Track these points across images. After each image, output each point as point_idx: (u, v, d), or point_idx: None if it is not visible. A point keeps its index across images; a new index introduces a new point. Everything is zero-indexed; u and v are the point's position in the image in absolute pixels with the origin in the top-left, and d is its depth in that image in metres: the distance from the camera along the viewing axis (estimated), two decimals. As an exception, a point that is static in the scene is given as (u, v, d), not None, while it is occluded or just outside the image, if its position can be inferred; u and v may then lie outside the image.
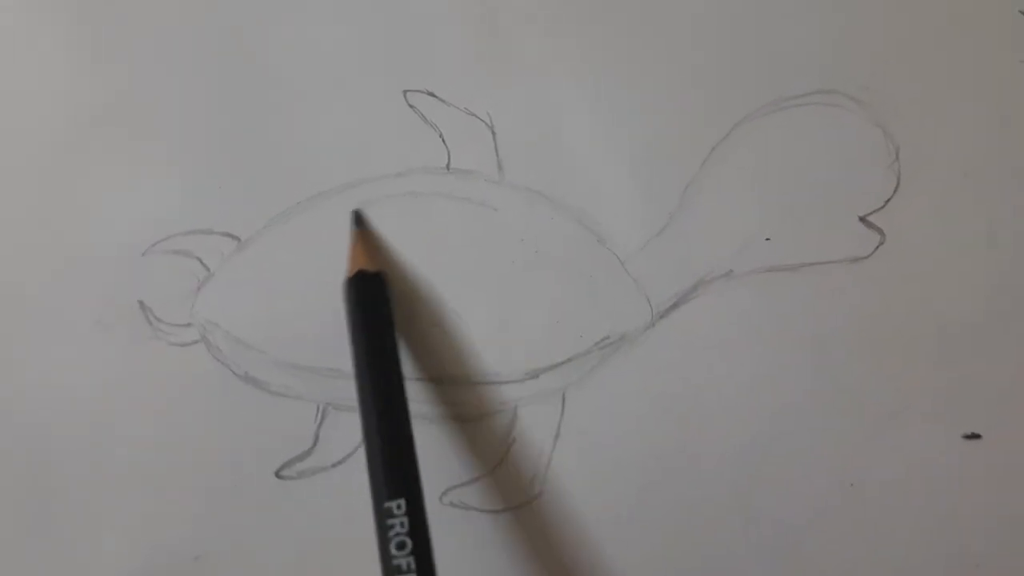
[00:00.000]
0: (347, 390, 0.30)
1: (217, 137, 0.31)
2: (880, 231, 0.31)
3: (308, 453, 0.30)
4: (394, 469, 0.26)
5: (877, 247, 0.31)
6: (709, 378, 0.30)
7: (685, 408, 0.30)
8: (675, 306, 0.31)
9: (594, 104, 0.31)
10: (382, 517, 0.26)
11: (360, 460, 0.30)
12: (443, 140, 0.31)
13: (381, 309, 0.29)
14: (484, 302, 0.31)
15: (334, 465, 0.30)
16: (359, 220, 0.31)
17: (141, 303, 0.31)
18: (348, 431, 0.30)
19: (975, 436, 0.30)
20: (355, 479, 0.30)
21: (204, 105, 0.31)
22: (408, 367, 0.30)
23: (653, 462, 0.30)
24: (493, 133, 0.31)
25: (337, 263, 0.30)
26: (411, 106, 0.32)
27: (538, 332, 0.30)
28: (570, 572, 0.29)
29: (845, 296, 0.30)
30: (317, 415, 0.30)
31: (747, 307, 0.31)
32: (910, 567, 0.29)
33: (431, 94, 0.32)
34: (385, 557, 0.25)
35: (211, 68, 0.31)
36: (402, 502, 0.26)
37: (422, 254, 0.31)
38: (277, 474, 0.30)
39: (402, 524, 0.25)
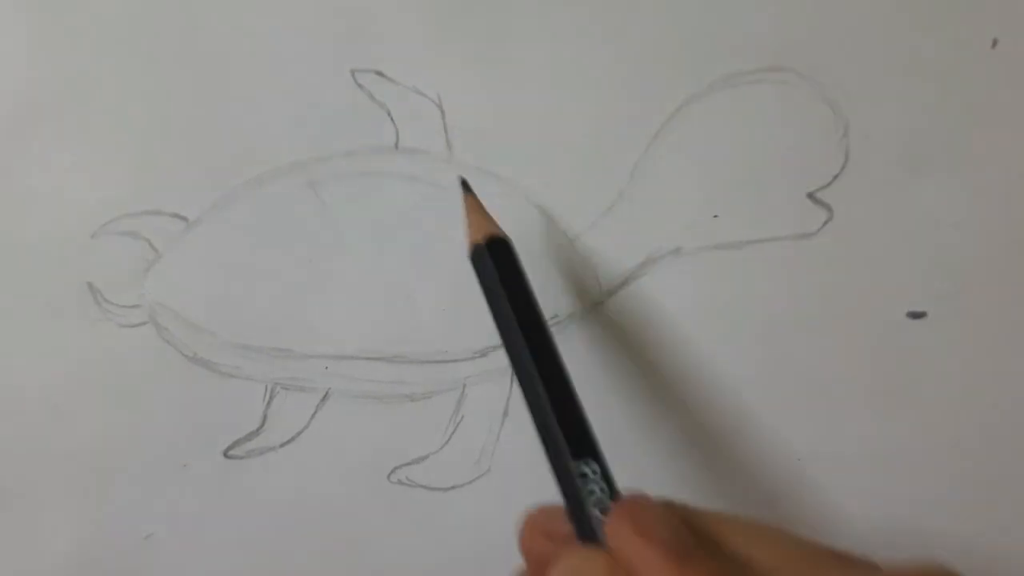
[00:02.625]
0: (295, 370, 0.30)
1: (165, 118, 0.31)
2: (828, 207, 0.31)
3: (256, 433, 0.30)
4: (580, 429, 0.24)
5: (824, 224, 0.31)
6: (658, 355, 0.30)
7: (634, 386, 0.30)
8: (624, 284, 0.31)
9: (543, 82, 0.31)
10: (572, 483, 0.23)
11: (307, 439, 0.30)
12: (391, 119, 0.31)
13: (522, 273, 0.27)
14: (433, 281, 0.31)
15: (282, 445, 0.30)
16: (467, 186, 0.30)
17: (90, 285, 0.31)
18: (296, 411, 0.30)
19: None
20: (303, 458, 0.30)
21: (151, 87, 0.31)
22: (358, 346, 0.30)
23: (601, 432, 0.30)
24: (442, 112, 0.31)
25: (286, 242, 0.30)
26: (359, 85, 0.31)
27: (486, 310, 0.30)
28: (518, 549, 0.29)
29: (792, 272, 0.31)
30: (265, 395, 0.30)
31: (695, 284, 0.31)
32: (856, 538, 0.30)
33: (379, 73, 0.32)
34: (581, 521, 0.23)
35: (157, 49, 0.31)
36: (596, 466, 0.24)
37: (371, 233, 0.31)
38: (225, 454, 0.30)
39: (602, 489, 0.23)
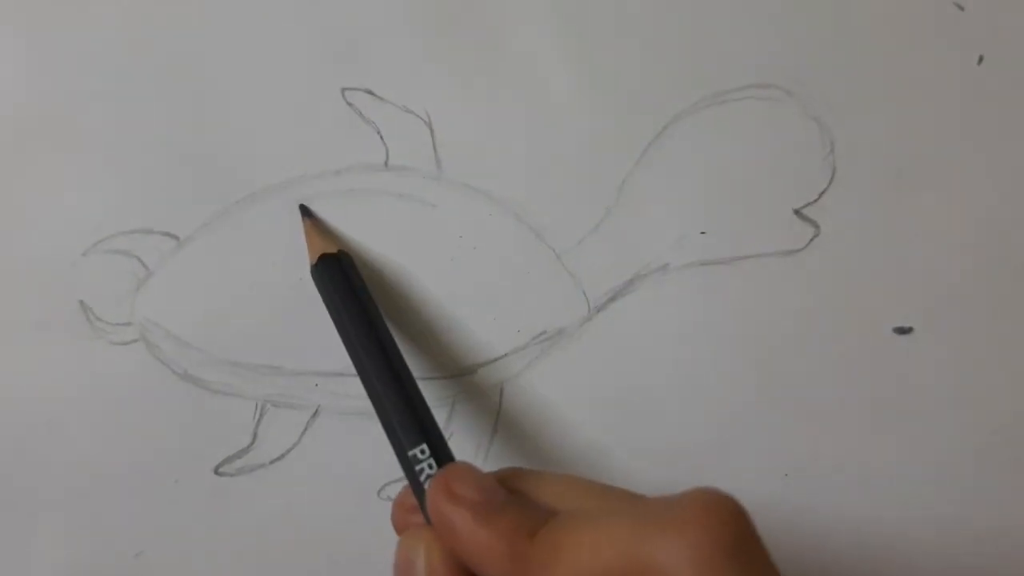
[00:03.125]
0: (285, 387, 0.31)
1: (156, 137, 0.31)
2: (814, 224, 0.31)
3: (247, 450, 0.30)
4: (410, 417, 0.26)
5: (811, 240, 0.31)
6: (645, 371, 0.31)
7: (622, 401, 0.31)
8: (612, 300, 0.31)
9: (531, 101, 0.32)
10: (409, 466, 0.26)
11: (298, 456, 0.30)
12: (381, 137, 0.32)
13: (354, 282, 0.29)
14: (423, 298, 0.31)
15: (272, 462, 0.30)
16: (306, 211, 0.31)
17: (82, 303, 0.31)
18: (286, 428, 0.30)
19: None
20: (294, 475, 0.30)
21: (142, 106, 0.31)
22: (346, 364, 0.30)
23: (591, 454, 0.30)
24: (431, 130, 0.32)
25: (276, 260, 0.31)
26: (349, 104, 0.32)
27: (476, 327, 0.31)
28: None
29: (779, 288, 0.31)
30: (256, 412, 0.30)
31: (683, 300, 0.31)
32: (842, 552, 0.30)
33: (369, 92, 0.32)
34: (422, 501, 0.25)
35: (148, 70, 0.31)
36: (424, 447, 0.26)
37: (362, 251, 0.31)
38: (216, 471, 0.30)
39: (430, 466, 0.25)
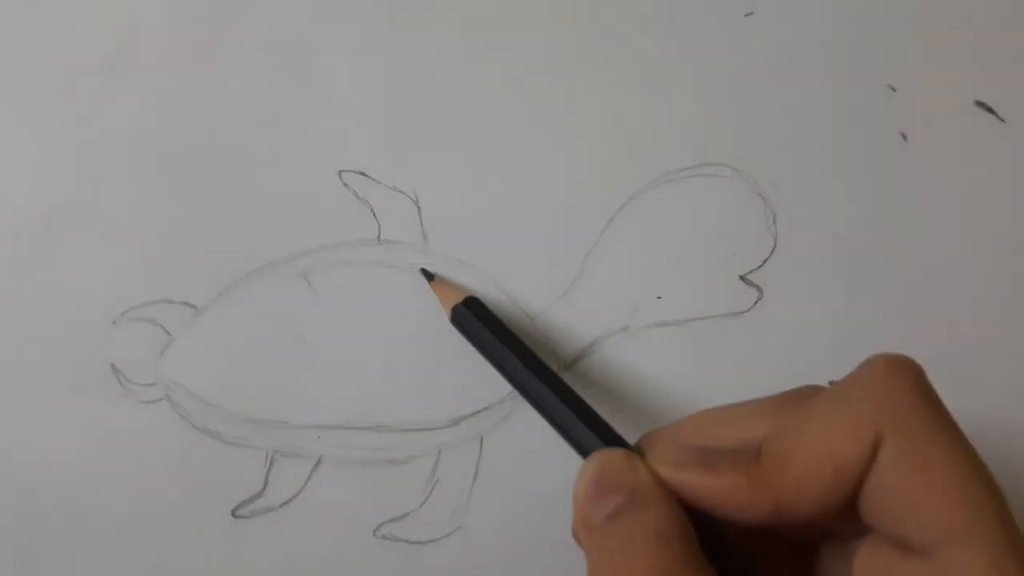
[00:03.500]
0: (292, 439, 0.35)
1: (175, 219, 0.35)
2: (758, 288, 0.35)
3: (259, 495, 0.34)
4: (596, 425, 0.29)
5: (756, 303, 0.35)
6: (610, 422, 0.34)
7: (589, 448, 0.34)
8: (579, 359, 0.35)
9: (507, 182, 0.35)
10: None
11: (304, 500, 0.34)
12: (374, 214, 0.36)
13: (492, 321, 0.33)
14: (412, 358, 0.35)
15: (282, 505, 0.34)
16: (428, 274, 0.35)
17: (113, 366, 0.35)
18: (293, 475, 0.34)
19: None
20: (301, 517, 0.34)
21: (161, 190, 0.35)
22: (344, 416, 0.34)
23: (562, 498, 0.34)
24: (418, 207, 0.36)
25: (282, 325, 0.35)
26: (345, 184, 0.36)
27: (460, 383, 0.35)
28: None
29: (727, 347, 0.35)
30: (266, 461, 0.34)
31: (641, 359, 0.35)
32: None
33: (362, 173, 0.36)
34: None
35: (166, 159, 0.36)
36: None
37: (356, 316, 0.35)
38: (233, 513, 0.34)
39: None
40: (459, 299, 0.33)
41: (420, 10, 0.36)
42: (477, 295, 0.34)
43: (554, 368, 0.34)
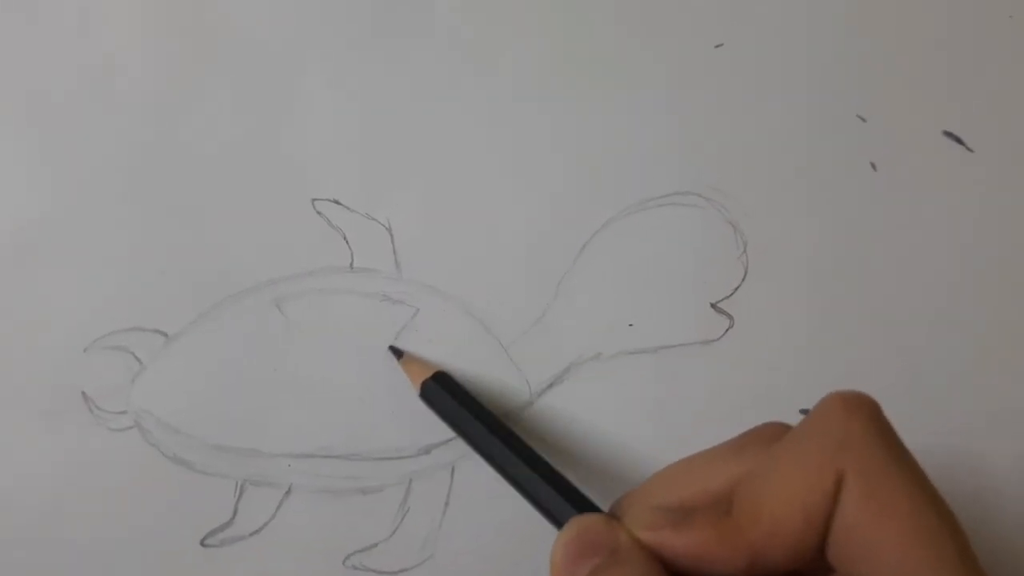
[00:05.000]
0: (262, 468, 0.34)
1: (147, 247, 0.35)
2: (729, 316, 0.35)
3: (229, 524, 0.34)
4: (571, 494, 0.29)
5: (727, 331, 0.35)
6: (581, 451, 0.34)
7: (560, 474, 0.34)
8: (551, 386, 0.35)
9: (480, 210, 0.36)
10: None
11: (274, 529, 0.34)
12: (347, 242, 0.36)
13: (461, 396, 0.33)
14: (383, 386, 0.35)
15: (252, 534, 0.34)
16: (397, 351, 0.35)
17: (84, 393, 0.35)
18: (263, 504, 0.34)
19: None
20: (271, 546, 0.34)
21: (132, 219, 0.36)
22: (316, 445, 0.34)
23: (532, 525, 0.34)
24: (391, 236, 0.36)
25: (254, 353, 0.35)
26: (319, 212, 0.36)
27: (431, 412, 0.35)
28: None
29: (699, 374, 0.35)
30: (236, 490, 0.34)
31: (613, 386, 0.35)
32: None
33: (336, 201, 0.36)
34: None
35: (138, 187, 0.36)
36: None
37: (328, 344, 0.35)
38: (202, 543, 0.34)
39: None
40: (428, 374, 0.33)
41: (396, 38, 0.37)
42: (445, 369, 0.34)
43: (526, 396, 0.35)
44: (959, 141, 0.36)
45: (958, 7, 0.37)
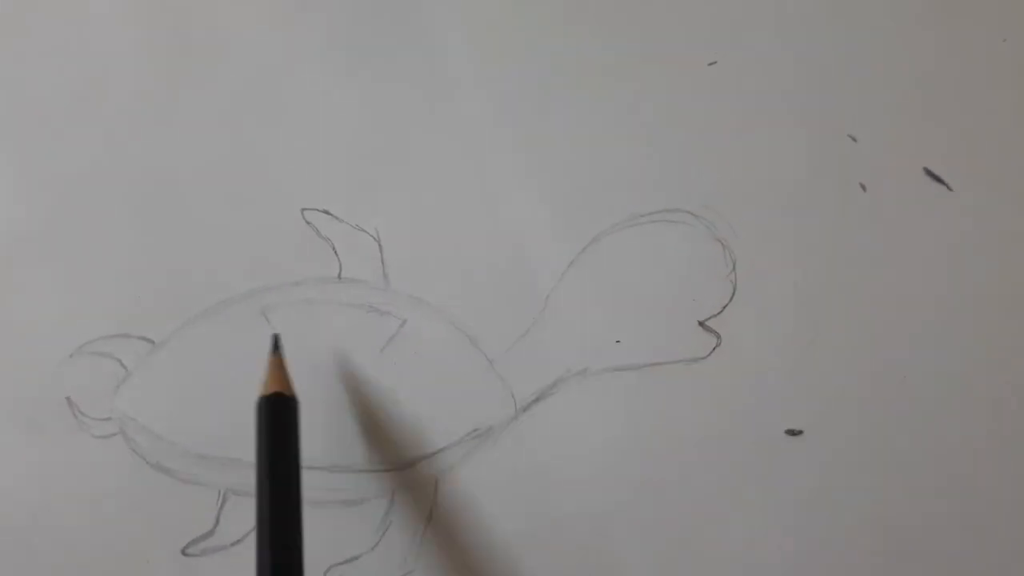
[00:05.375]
0: (246, 477, 0.34)
1: (133, 252, 0.35)
2: (717, 334, 0.35)
3: (211, 533, 0.34)
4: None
5: (714, 349, 0.35)
6: (566, 465, 0.34)
7: (545, 491, 0.34)
8: (537, 401, 0.35)
9: (469, 222, 0.36)
10: None
11: (255, 540, 0.34)
12: (336, 252, 0.36)
13: (291, 436, 0.31)
14: (368, 396, 0.35)
15: (233, 544, 0.34)
16: (276, 346, 0.33)
17: (68, 399, 0.35)
18: (246, 514, 0.34)
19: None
20: (252, 556, 0.34)
21: (121, 226, 0.36)
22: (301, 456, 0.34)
23: (516, 539, 0.34)
24: (380, 246, 0.36)
25: (239, 362, 0.34)
26: (308, 223, 0.36)
27: (415, 425, 0.34)
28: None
29: (685, 392, 0.34)
30: (219, 499, 0.34)
31: (599, 402, 0.34)
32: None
33: (326, 212, 0.36)
34: None
35: (127, 195, 0.36)
36: None
37: (313, 355, 0.35)
38: (184, 552, 0.34)
39: None
40: (271, 390, 0.32)
41: (386, 52, 0.37)
42: (296, 396, 0.32)
43: (511, 411, 0.34)
44: (939, 180, 0.36)
45: (952, 29, 0.37)
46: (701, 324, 0.35)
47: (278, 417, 0.31)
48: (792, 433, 0.34)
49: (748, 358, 0.34)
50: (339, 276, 0.36)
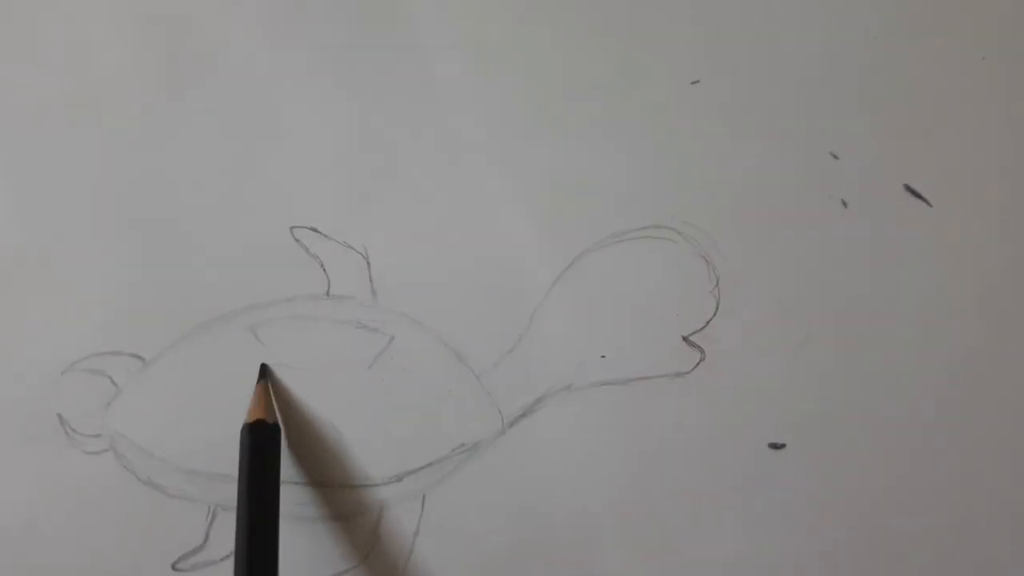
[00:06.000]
0: (235, 493, 0.35)
1: (125, 270, 0.36)
2: (701, 349, 0.35)
3: (200, 548, 0.34)
4: None
5: (698, 363, 0.35)
6: (552, 478, 0.35)
7: (531, 505, 0.34)
8: (523, 416, 0.35)
9: (455, 239, 0.36)
10: None
11: (244, 555, 0.34)
12: (324, 270, 0.36)
13: (272, 462, 0.33)
14: (357, 414, 0.35)
15: (222, 559, 0.34)
16: (264, 373, 0.35)
17: (60, 416, 0.35)
18: (234, 529, 0.34)
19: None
20: (240, 572, 0.34)
21: (114, 246, 0.36)
22: (291, 472, 0.35)
23: (503, 552, 0.34)
24: (368, 264, 0.36)
25: (228, 379, 0.35)
26: (296, 240, 0.36)
27: (403, 440, 0.35)
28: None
29: (669, 407, 0.35)
30: (208, 515, 0.34)
31: (584, 417, 0.35)
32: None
33: (314, 229, 0.36)
34: None
35: (119, 214, 0.36)
36: None
37: (304, 371, 0.35)
38: (174, 567, 0.34)
39: None
40: (254, 418, 0.33)
41: (376, 70, 0.37)
42: (279, 423, 0.34)
43: (498, 426, 0.35)
44: (919, 196, 0.36)
45: (931, 48, 0.38)
46: (685, 339, 0.35)
47: (259, 443, 0.33)
48: (775, 447, 0.34)
49: (731, 373, 0.35)
50: (327, 293, 0.36)
